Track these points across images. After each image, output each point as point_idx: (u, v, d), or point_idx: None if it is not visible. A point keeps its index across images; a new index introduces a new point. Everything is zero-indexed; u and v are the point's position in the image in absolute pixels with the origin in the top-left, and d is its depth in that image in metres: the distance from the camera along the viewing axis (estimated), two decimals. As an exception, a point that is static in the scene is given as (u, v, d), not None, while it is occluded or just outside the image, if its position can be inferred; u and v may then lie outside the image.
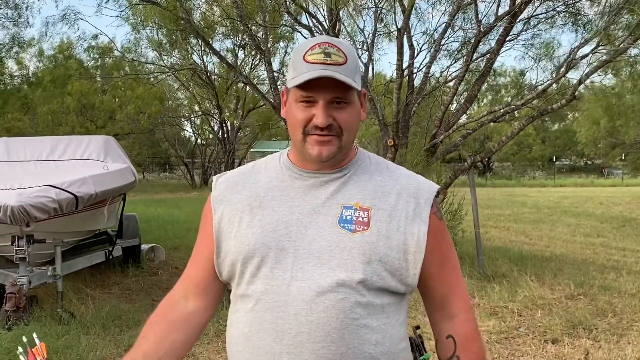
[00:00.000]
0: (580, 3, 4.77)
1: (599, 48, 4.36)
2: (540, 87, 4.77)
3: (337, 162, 0.60)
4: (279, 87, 5.06)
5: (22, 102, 13.98)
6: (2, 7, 8.14)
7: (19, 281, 2.98)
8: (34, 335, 1.17)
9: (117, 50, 11.37)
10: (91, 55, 14.39)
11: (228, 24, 7.73)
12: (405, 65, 4.68)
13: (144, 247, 4.95)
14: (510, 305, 3.34)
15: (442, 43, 4.84)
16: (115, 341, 2.75)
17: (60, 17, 7.02)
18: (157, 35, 8.34)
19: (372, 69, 5.07)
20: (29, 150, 4.05)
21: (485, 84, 6.14)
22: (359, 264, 0.55)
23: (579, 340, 2.85)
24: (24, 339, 1.17)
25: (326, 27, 4.76)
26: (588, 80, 4.64)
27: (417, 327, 0.67)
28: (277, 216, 0.58)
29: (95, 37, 10.94)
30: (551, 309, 3.34)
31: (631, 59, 4.97)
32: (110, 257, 4.26)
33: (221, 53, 7.98)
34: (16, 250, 3.08)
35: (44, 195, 3.04)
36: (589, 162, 23.80)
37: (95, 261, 4.07)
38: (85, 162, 3.92)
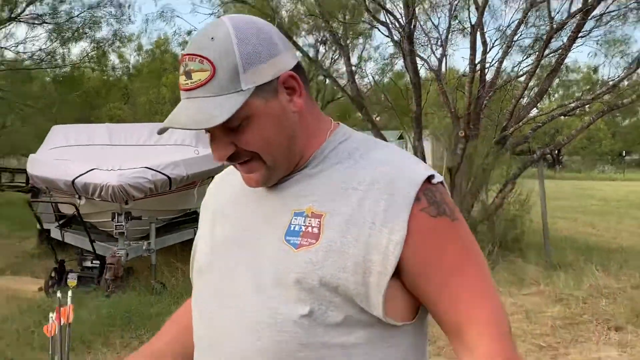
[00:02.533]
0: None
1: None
2: (611, 83, 4.90)
3: (284, 173, 0.46)
4: (357, 80, 6.16)
5: (123, 92, 16.01)
6: (107, 5, 9.59)
7: (118, 254, 3.32)
8: (69, 294, 1.17)
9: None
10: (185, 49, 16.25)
11: (311, 21, 8.24)
12: (477, 60, 4.87)
13: None
14: (575, 293, 3.46)
15: (514, 39, 5.00)
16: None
17: (158, 15, 7.88)
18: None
19: (446, 63, 5.33)
20: (129, 135, 4.49)
21: (557, 80, 6.59)
22: (300, 291, 0.41)
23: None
24: (59, 294, 1.18)
25: (402, 24, 4.93)
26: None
27: None
28: (229, 230, 0.49)
29: (189, 33, 12.05)
30: (615, 297, 3.42)
31: None
32: None
33: (303, 48, 8.47)
34: (116, 225, 3.44)
35: (141, 176, 3.33)
36: (658, 158, 23.88)
37: (185, 238, 4.38)
38: (178, 147, 4.22)
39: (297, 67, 0.45)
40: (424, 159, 4.94)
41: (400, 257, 0.40)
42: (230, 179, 0.53)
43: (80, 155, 3.92)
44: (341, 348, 0.42)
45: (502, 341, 0.43)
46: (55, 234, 4.06)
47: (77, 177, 3.35)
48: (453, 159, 4.60)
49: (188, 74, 0.40)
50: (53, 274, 3.64)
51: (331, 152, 0.46)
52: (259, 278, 0.44)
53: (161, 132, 0.47)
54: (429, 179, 0.43)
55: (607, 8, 4.64)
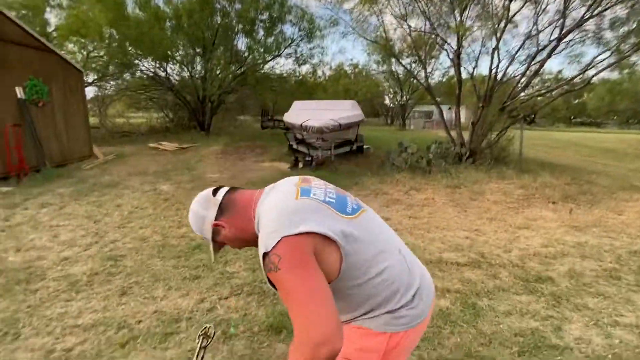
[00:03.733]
0: None
1: None
2: (568, 78, 8.90)
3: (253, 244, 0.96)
4: (429, 80, 11.50)
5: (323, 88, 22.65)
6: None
7: (316, 155, 8.19)
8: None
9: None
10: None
11: (407, 50, 14.26)
12: (493, 67, 8.40)
13: (366, 147, 9.83)
14: (532, 184, 6.42)
15: (515, 56, 8.46)
16: (350, 179, 7.27)
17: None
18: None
19: (475, 69, 8.96)
20: (325, 105, 9.39)
21: (538, 77, 9.72)
22: None
23: (568, 204, 5.28)
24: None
25: (455, 49, 8.77)
26: None
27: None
28: None
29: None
30: (554, 187, 6.19)
31: None
32: (351, 150, 9.28)
33: (404, 64, 14.86)
34: (317, 143, 8.28)
35: (329, 123, 7.94)
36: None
37: (345, 150, 9.15)
38: (343, 111, 8.77)
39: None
40: (459, 119, 8.93)
41: None
42: None
43: (304, 114, 8.89)
44: None
45: (296, 339, 0.77)
46: (294, 146, 9.47)
47: (302, 123, 8.22)
48: (474, 118, 8.20)
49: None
50: (293, 162, 8.34)
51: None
52: None
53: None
54: (267, 255, 0.82)
55: (572, 37, 7.71)
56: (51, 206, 5.08)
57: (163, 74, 14.14)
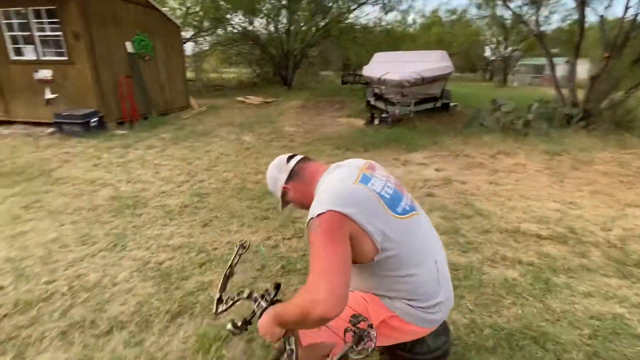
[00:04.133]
0: None
1: None
2: None
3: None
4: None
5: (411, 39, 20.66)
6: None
7: (393, 111, 7.73)
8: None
9: None
10: None
11: None
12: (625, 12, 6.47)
13: (453, 104, 8.89)
14: None
15: None
16: (429, 138, 6.79)
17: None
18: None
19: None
20: (408, 57, 8.62)
21: None
22: None
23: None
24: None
25: None
26: None
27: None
28: None
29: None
30: None
31: None
32: (434, 106, 8.50)
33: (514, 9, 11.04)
34: (396, 98, 7.78)
35: (409, 76, 7.35)
36: None
37: (427, 107, 8.42)
38: (429, 62, 7.94)
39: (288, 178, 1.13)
40: (574, 74, 7.24)
41: None
42: None
43: (384, 66, 8.38)
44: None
45: (305, 286, 0.83)
46: (372, 102, 9.09)
47: (381, 76, 7.77)
48: (595, 72, 6.53)
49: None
50: (369, 119, 8.11)
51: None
52: None
53: None
54: (312, 218, 0.91)
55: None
56: (155, 148, 5.88)
57: (251, 28, 14.55)
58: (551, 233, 3.04)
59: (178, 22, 9.68)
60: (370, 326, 0.80)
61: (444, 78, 8.30)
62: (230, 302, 1.13)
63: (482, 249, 2.77)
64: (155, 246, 2.80)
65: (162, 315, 2.04)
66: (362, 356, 0.78)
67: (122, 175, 4.54)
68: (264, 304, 1.03)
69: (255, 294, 1.07)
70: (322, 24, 14.07)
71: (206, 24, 14.45)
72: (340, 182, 1.00)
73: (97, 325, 1.95)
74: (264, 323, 0.95)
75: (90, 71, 6.73)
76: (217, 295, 1.15)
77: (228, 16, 13.74)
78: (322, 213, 0.91)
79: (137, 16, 7.80)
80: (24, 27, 6.70)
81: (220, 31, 15.60)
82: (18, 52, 6.91)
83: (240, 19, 14.12)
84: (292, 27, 13.71)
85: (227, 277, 1.25)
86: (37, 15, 6.59)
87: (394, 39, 15.72)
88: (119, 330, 1.92)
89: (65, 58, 6.73)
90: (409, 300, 1.04)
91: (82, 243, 2.84)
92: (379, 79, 7.60)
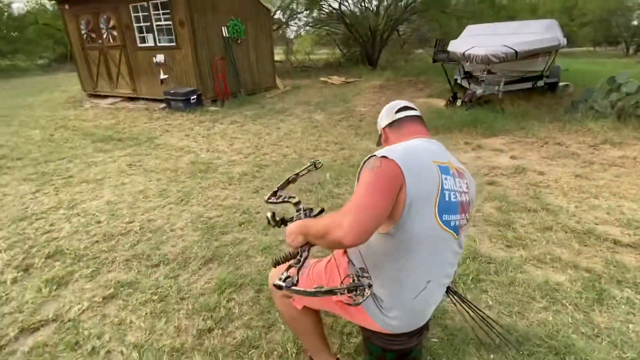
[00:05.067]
0: None
1: None
2: None
3: None
4: None
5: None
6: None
7: (474, 90, 6.89)
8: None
9: None
10: None
11: None
12: None
13: (561, 84, 7.53)
14: None
15: None
16: (516, 122, 5.97)
17: None
18: None
19: None
20: (500, 29, 7.53)
21: None
22: None
23: None
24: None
25: None
26: None
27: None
28: None
29: None
30: None
31: None
32: (534, 86, 7.31)
33: None
34: (481, 76, 6.95)
35: (498, 50, 6.45)
36: None
37: (524, 87, 7.28)
38: (530, 33, 6.73)
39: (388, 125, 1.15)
40: None
41: None
42: None
43: (471, 40, 7.48)
44: None
45: (340, 211, 0.85)
46: (459, 81, 8.27)
47: (465, 51, 6.84)
48: None
49: None
50: (450, 99, 7.04)
51: None
52: None
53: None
54: (376, 156, 0.92)
55: None
56: (237, 123, 6.57)
57: (338, 9, 14.55)
58: (635, 240, 2.53)
59: (270, 6, 10.28)
60: (369, 285, 0.81)
61: (547, 52, 7.02)
62: (280, 200, 1.29)
63: (531, 247, 2.48)
64: (211, 204, 3.26)
65: (198, 259, 2.43)
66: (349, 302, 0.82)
67: (204, 144, 5.26)
68: (302, 215, 1.13)
69: (301, 205, 1.19)
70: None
71: (295, 6, 14.93)
72: (422, 151, 0.99)
73: (151, 259, 2.44)
74: (292, 228, 1.01)
75: (191, 54, 7.77)
76: (275, 189, 1.31)
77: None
78: (386, 157, 0.90)
79: (232, 3, 8.59)
80: (146, 18, 8.04)
81: (313, 13, 15.98)
82: (142, 40, 8.36)
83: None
84: (379, 4, 13.21)
85: (289, 181, 1.39)
86: (155, 7, 7.83)
87: (504, 9, 13.77)
88: (164, 265, 2.38)
89: (174, 44, 7.89)
90: (385, 295, 1.02)
91: (159, 196, 3.48)
92: (463, 54, 6.77)
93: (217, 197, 3.43)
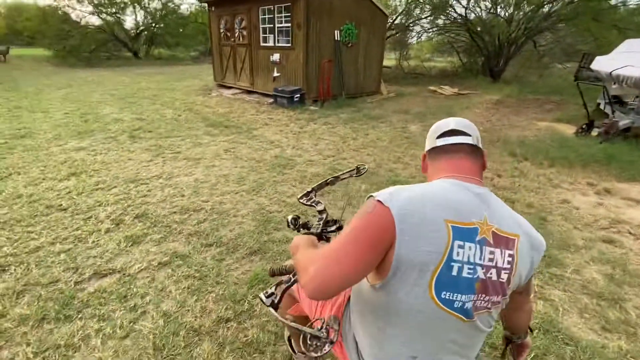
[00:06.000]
0: None
1: None
2: None
3: None
4: None
5: None
6: None
7: (615, 119, 5.38)
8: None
9: None
10: None
11: None
12: None
13: None
14: None
15: None
16: (635, 168, 4.60)
17: None
18: None
19: None
20: None
21: None
22: None
23: None
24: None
25: None
26: None
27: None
28: None
29: None
30: None
31: None
32: None
33: None
34: (631, 103, 5.49)
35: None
36: None
37: None
38: None
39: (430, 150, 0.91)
40: None
41: None
42: None
43: (625, 58, 5.92)
44: None
45: (320, 252, 0.76)
46: (602, 106, 6.65)
47: (614, 70, 5.45)
48: None
49: None
50: (583, 126, 5.79)
51: None
52: None
53: None
54: (373, 197, 0.77)
55: None
56: (328, 125, 6.74)
57: (464, 15, 13.48)
58: None
59: (385, 10, 10.18)
60: (331, 342, 0.75)
61: None
62: (309, 203, 1.26)
63: (639, 338, 1.88)
64: (276, 199, 3.42)
65: (245, 248, 2.57)
66: (308, 350, 0.77)
67: (292, 141, 5.54)
68: (314, 229, 1.08)
69: (324, 215, 1.15)
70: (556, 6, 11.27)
71: (418, 11, 14.39)
72: (438, 203, 0.76)
73: (207, 238, 2.69)
74: (297, 240, 0.94)
75: (302, 55, 8.26)
76: (309, 189, 1.29)
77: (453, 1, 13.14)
78: (382, 203, 0.75)
79: (348, 7, 8.79)
80: (270, 20, 8.87)
81: (437, 19, 15.22)
82: (265, 40, 9.27)
83: (461, 4, 13.27)
84: (513, 12, 11.71)
85: (327, 183, 1.35)
86: (279, 10, 8.56)
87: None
88: (216, 246, 2.59)
89: (290, 45, 8.51)
90: (361, 335, 0.92)
91: (237, 182, 3.81)
92: (610, 73, 5.52)
93: (285, 193, 3.57)
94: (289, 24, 8.31)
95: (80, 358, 1.65)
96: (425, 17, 15.43)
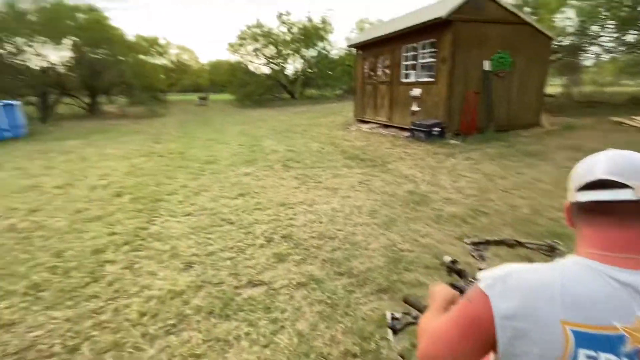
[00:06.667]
0: None
1: None
2: None
3: None
4: None
5: None
6: None
7: None
8: None
9: None
10: None
11: None
12: None
13: None
14: None
15: None
16: None
17: None
18: None
19: None
20: None
21: None
22: None
23: None
24: None
25: None
26: None
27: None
28: None
29: None
30: None
31: None
32: None
33: None
34: None
35: None
36: None
37: None
38: None
39: (574, 203, 0.67)
40: None
41: None
42: None
43: None
44: None
45: (433, 325, 0.71)
46: None
47: None
48: None
49: None
50: None
51: None
52: None
53: None
54: (477, 281, 0.66)
55: None
56: (471, 160, 6.23)
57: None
58: None
59: (550, 33, 8.95)
60: None
61: None
62: (474, 254, 1.13)
63: None
64: (409, 237, 3.33)
65: (374, 284, 2.58)
66: None
67: (428, 176, 5.36)
68: (465, 282, 1.02)
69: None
70: None
71: (598, 28, 12.00)
72: (560, 294, 0.57)
73: (339, 266, 2.83)
74: (437, 290, 0.89)
75: (445, 89, 8.02)
76: (483, 239, 1.17)
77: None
78: (482, 291, 0.63)
79: (502, 35, 8.12)
80: (413, 57, 9.03)
81: (626, 35, 12.43)
82: (406, 76, 9.46)
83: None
84: None
85: (504, 242, 1.17)
86: (423, 47, 8.65)
87: None
88: (347, 277, 2.69)
89: (432, 80, 8.42)
90: None
91: (369, 215, 3.91)
92: None
93: (418, 231, 3.45)
94: (433, 59, 8.26)
95: (233, 355, 1.95)
96: (607, 35, 12.76)
